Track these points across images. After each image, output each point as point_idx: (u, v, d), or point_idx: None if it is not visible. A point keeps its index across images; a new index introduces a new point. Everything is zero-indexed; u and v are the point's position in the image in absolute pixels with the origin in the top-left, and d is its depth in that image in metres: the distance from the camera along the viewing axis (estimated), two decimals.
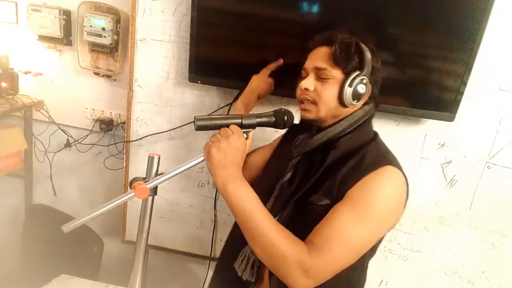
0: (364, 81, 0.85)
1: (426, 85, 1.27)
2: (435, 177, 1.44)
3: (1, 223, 1.97)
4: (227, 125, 0.79)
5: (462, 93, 1.25)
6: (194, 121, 0.78)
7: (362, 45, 0.87)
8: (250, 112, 1.06)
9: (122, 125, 1.72)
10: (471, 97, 1.31)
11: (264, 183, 0.98)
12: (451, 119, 1.30)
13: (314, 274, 0.74)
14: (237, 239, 0.92)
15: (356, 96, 0.85)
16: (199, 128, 0.78)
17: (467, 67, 1.22)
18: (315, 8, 1.25)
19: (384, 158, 0.84)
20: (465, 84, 1.24)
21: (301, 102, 0.90)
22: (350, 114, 0.88)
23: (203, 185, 1.63)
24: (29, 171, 1.90)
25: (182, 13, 1.43)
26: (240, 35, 1.35)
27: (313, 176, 0.87)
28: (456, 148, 1.40)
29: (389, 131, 1.42)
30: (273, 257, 0.75)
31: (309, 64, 0.89)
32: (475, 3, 1.17)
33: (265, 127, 0.84)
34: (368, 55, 0.86)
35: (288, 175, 0.92)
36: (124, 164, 1.68)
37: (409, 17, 1.22)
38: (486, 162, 1.40)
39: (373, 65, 0.87)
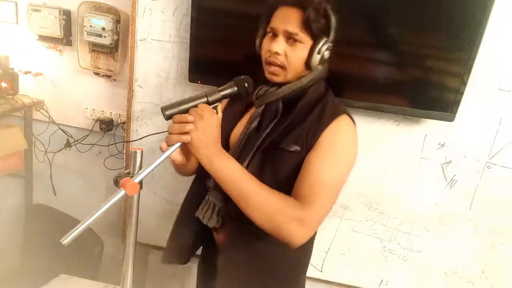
0: (330, 47, 0.90)
1: (426, 85, 1.27)
2: (435, 177, 1.44)
3: (1, 223, 1.97)
4: (195, 106, 0.79)
5: (462, 93, 1.26)
6: (162, 112, 0.78)
7: (330, 10, 0.88)
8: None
9: (122, 125, 1.72)
10: (471, 97, 1.31)
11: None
12: (451, 119, 1.30)
13: (310, 223, 0.82)
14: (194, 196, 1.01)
15: (322, 61, 0.90)
16: (170, 117, 0.78)
17: (467, 67, 1.22)
18: None
19: (339, 108, 0.93)
20: (465, 84, 1.25)
21: (268, 63, 0.90)
22: (312, 71, 0.93)
23: None
24: (29, 171, 1.90)
25: (182, 13, 1.43)
26: (240, 35, 1.35)
27: (282, 123, 0.91)
28: (456, 148, 1.40)
29: (389, 131, 1.42)
30: (272, 218, 0.80)
31: (279, 25, 0.88)
32: (475, 3, 1.17)
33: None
34: (334, 21, 0.89)
35: (255, 123, 0.94)
36: (124, 164, 1.68)
37: (409, 17, 1.23)
38: (486, 162, 1.40)
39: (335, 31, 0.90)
